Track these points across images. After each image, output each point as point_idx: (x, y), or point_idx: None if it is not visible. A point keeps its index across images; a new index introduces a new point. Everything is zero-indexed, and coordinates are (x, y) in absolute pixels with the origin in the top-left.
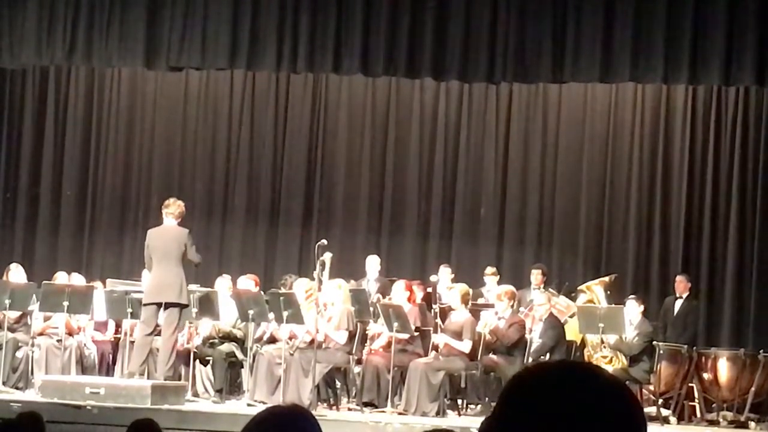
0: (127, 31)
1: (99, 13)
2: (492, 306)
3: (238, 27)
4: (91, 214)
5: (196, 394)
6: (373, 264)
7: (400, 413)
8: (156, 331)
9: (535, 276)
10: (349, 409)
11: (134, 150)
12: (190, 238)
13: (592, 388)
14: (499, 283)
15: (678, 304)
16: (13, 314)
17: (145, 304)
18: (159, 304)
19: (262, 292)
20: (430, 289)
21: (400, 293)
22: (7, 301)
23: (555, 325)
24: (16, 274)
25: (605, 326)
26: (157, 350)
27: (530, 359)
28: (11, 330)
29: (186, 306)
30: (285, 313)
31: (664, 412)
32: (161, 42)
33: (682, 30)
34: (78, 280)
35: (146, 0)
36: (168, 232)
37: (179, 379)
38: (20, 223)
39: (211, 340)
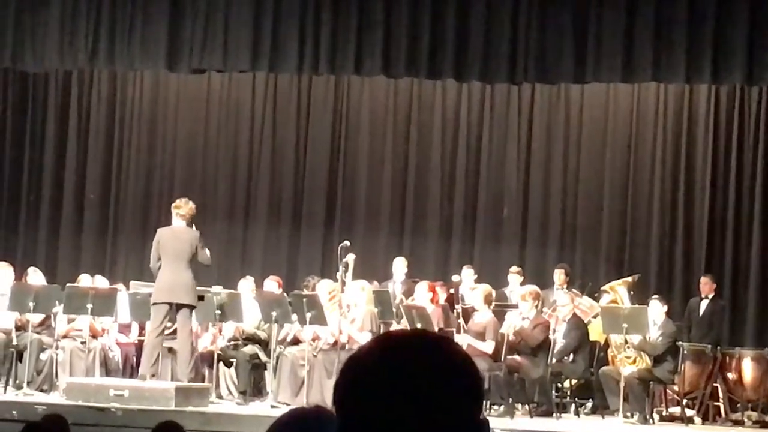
0: (149, 34)
1: (121, 16)
2: (515, 306)
3: (260, 29)
4: (114, 216)
5: (219, 396)
6: (399, 266)
7: None
8: (164, 332)
9: (558, 276)
10: None
11: (157, 152)
12: (201, 240)
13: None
14: (522, 283)
15: (703, 304)
16: (38, 317)
17: (155, 303)
18: (170, 304)
19: (285, 294)
20: (452, 290)
21: (423, 294)
22: (31, 304)
23: (578, 325)
24: (35, 277)
25: (629, 326)
26: (168, 351)
27: (554, 360)
28: (36, 332)
29: (195, 307)
30: (308, 315)
31: (689, 412)
32: (183, 45)
33: (704, 29)
34: (102, 282)
35: (168, 3)
36: (180, 233)
37: (203, 381)
38: (44, 226)
39: (234, 342)
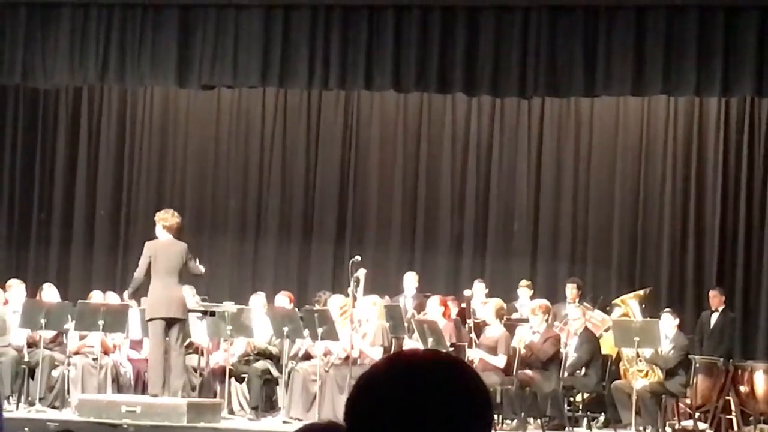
0: (159, 50)
1: (131, 32)
2: (526, 320)
3: (270, 45)
4: (125, 232)
5: (231, 412)
6: (410, 280)
7: None
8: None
9: (570, 290)
10: None
11: (167, 168)
12: (189, 251)
13: (426, 374)
14: (533, 297)
15: (714, 317)
16: (49, 333)
17: (151, 319)
18: (165, 319)
19: (296, 309)
20: (464, 305)
21: (435, 309)
22: (42, 321)
23: (590, 339)
24: (49, 293)
25: (641, 340)
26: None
27: (565, 374)
28: (47, 349)
29: (186, 320)
30: (319, 330)
31: (701, 425)
32: (193, 61)
33: (713, 42)
34: (113, 298)
35: (178, 19)
36: (169, 246)
37: (214, 396)
38: (55, 242)
39: (246, 358)
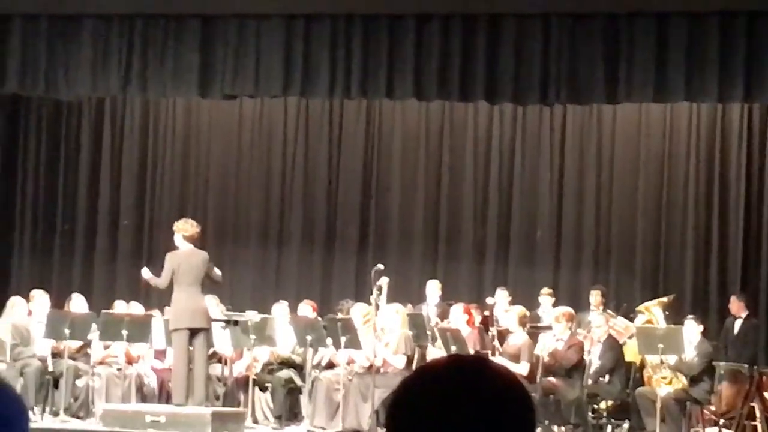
0: (181, 60)
1: (153, 43)
2: (550, 328)
3: (291, 54)
4: (149, 242)
5: (255, 421)
6: (433, 289)
7: None
8: (191, 358)
9: (595, 297)
10: None
11: (190, 179)
12: (209, 260)
13: (479, 384)
14: (556, 305)
15: (737, 324)
16: (74, 344)
17: (176, 330)
18: (189, 329)
19: (319, 318)
20: (487, 312)
21: (458, 317)
22: (67, 331)
23: (613, 346)
24: (77, 303)
25: (665, 347)
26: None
27: (589, 381)
28: (72, 359)
29: (209, 330)
30: (343, 339)
31: None
32: (215, 71)
33: (735, 47)
34: (137, 308)
35: (199, 29)
36: (191, 256)
37: (238, 406)
38: (79, 253)
39: (269, 367)
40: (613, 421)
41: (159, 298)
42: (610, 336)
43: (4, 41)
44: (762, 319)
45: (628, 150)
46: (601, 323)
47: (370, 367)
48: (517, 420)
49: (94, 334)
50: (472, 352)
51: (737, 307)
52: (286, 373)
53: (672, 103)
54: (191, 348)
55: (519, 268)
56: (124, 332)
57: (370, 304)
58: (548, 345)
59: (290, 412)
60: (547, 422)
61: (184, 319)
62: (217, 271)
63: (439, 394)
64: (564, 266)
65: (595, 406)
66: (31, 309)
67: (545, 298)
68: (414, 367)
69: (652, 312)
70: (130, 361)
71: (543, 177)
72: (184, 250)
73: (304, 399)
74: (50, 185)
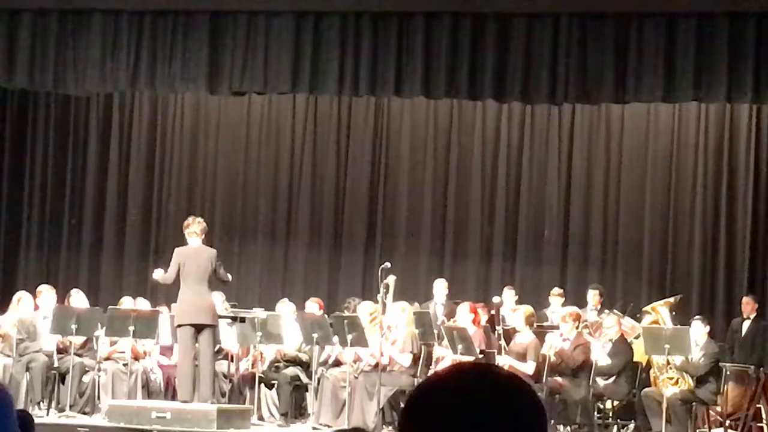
0: (190, 57)
1: (162, 39)
2: (556, 328)
3: (300, 51)
4: (156, 239)
5: (261, 418)
6: (440, 287)
7: None
8: (196, 355)
9: (593, 297)
10: None
11: (198, 175)
12: (218, 257)
13: (488, 390)
14: (564, 305)
15: (745, 325)
16: (80, 339)
17: (180, 326)
18: (194, 325)
19: (326, 316)
20: (493, 311)
21: (465, 315)
22: (73, 327)
23: (624, 348)
24: (78, 298)
25: (671, 347)
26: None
27: (596, 378)
28: (78, 355)
29: (217, 326)
30: (349, 337)
31: None
32: (224, 67)
33: (744, 48)
34: (143, 304)
35: (208, 26)
36: (199, 253)
37: (244, 403)
38: (86, 248)
39: (276, 364)
40: (619, 421)
41: (166, 294)
42: (621, 336)
43: (14, 36)
44: None
45: (636, 150)
46: (612, 324)
47: (377, 365)
48: (530, 426)
49: (100, 330)
50: (478, 350)
51: (750, 307)
52: (292, 370)
53: (681, 104)
54: (197, 344)
55: (526, 267)
56: (131, 328)
57: (376, 302)
58: (555, 345)
59: (296, 409)
60: (552, 422)
61: (188, 315)
62: (225, 273)
63: (451, 404)
64: (571, 265)
65: (601, 406)
66: (38, 304)
67: (555, 298)
68: (420, 365)
69: (659, 312)
70: (136, 357)
71: (551, 176)
72: (192, 247)
73: (310, 396)
74: (58, 181)
